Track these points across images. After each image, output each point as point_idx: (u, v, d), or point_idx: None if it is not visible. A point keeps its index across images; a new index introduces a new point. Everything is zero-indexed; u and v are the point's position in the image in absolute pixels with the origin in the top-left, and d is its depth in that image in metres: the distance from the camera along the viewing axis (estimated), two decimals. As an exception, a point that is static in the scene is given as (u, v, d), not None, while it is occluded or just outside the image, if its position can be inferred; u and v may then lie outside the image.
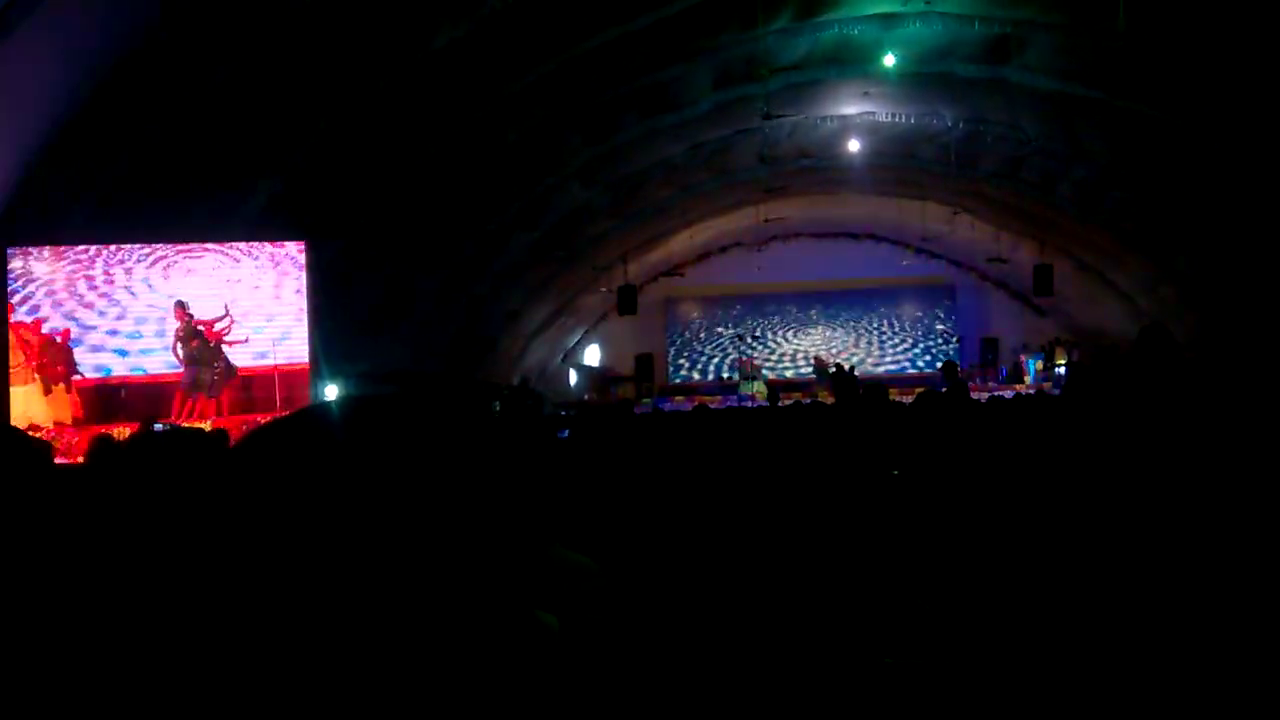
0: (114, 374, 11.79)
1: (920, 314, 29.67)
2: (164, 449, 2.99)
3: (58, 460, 7.84)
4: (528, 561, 1.00)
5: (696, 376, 29.70)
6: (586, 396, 26.65)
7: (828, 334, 29.74)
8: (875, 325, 29.76)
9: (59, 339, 11.49)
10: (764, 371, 27.95)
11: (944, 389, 10.28)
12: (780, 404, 15.41)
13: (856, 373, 23.24)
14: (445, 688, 0.91)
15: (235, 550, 0.95)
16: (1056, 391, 20.81)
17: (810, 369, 28.04)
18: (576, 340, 29.07)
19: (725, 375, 29.09)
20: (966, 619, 2.83)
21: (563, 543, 1.91)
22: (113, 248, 11.69)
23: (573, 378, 28.38)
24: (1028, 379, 26.00)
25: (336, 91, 12.26)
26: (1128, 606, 2.64)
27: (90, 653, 1.43)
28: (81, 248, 11.61)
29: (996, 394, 10.44)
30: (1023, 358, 27.17)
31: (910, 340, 29.68)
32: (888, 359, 29.55)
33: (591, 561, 1.89)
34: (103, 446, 6.19)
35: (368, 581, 0.91)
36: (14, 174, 10.01)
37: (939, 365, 27.55)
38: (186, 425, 10.70)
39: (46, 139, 9.98)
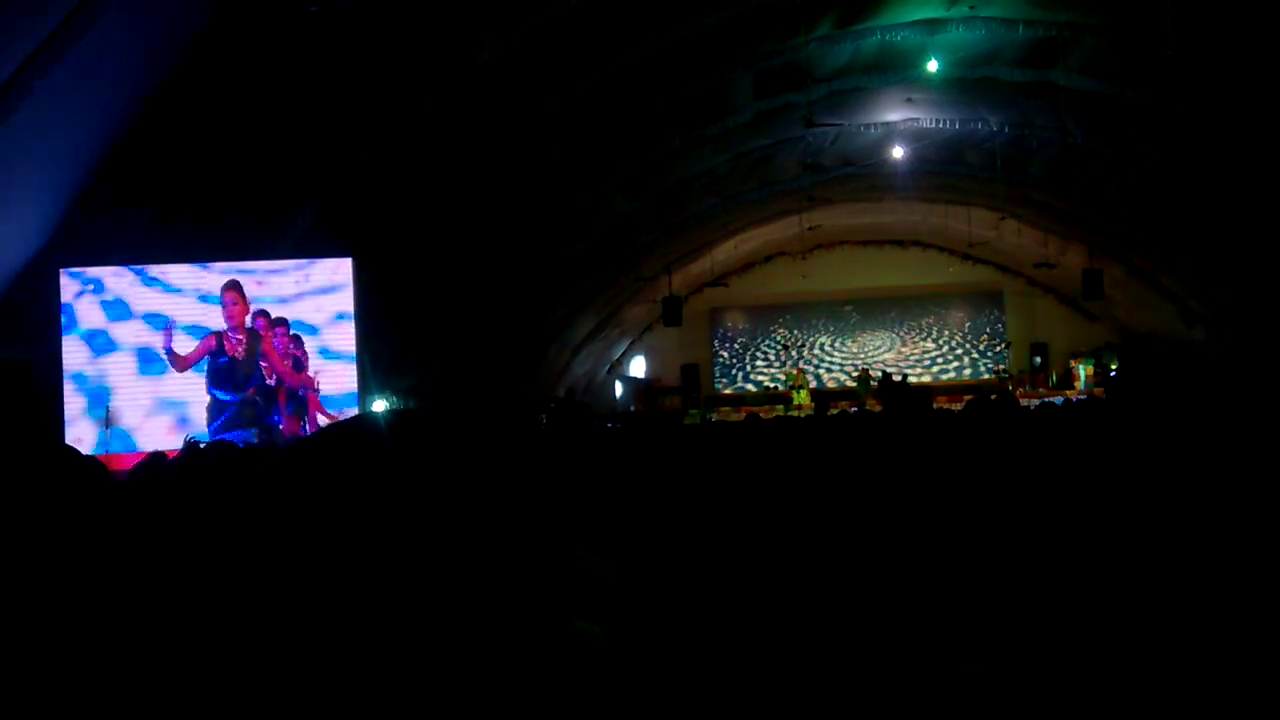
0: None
1: (968, 320, 29.42)
2: (212, 463, 3.02)
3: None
4: (564, 569, 1.00)
5: (744, 387, 29.62)
6: (632, 408, 26.68)
7: (874, 341, 29.54)
8: (922, 332, 29.53)
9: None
10: (806, 378, 27.73)
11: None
12: (828, 413, 15.30)
13: (905, 380, 23.06)
14: (486, 695, 0.90)
15: (276, 560, 0.94)
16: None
17: (854, 378, 27.82)
18: (622, 351, 29.08)
19: (770, 385, 28.92)
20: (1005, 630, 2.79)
21: (583, 546, 1.89)
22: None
23: (618, 389, 28.39)
24: (1079, 384, 25.70)
25: (382, 109, 12.37)
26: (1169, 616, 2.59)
27: (134, 659, 1.44)
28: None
29: (1047, 399, 10.35)
30: (1073, 362, 26.88)
31: (959, 347, 29.42)
32: (935, 366, 29.30)
33: (605, 563, 1.87)
34: (152, 464, 6.24)
35: (408, 590, 0.91)
36: (66, 197, 10.17)
37: (994, 372, 27.50)
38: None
39: (97, 162, 10.13)
